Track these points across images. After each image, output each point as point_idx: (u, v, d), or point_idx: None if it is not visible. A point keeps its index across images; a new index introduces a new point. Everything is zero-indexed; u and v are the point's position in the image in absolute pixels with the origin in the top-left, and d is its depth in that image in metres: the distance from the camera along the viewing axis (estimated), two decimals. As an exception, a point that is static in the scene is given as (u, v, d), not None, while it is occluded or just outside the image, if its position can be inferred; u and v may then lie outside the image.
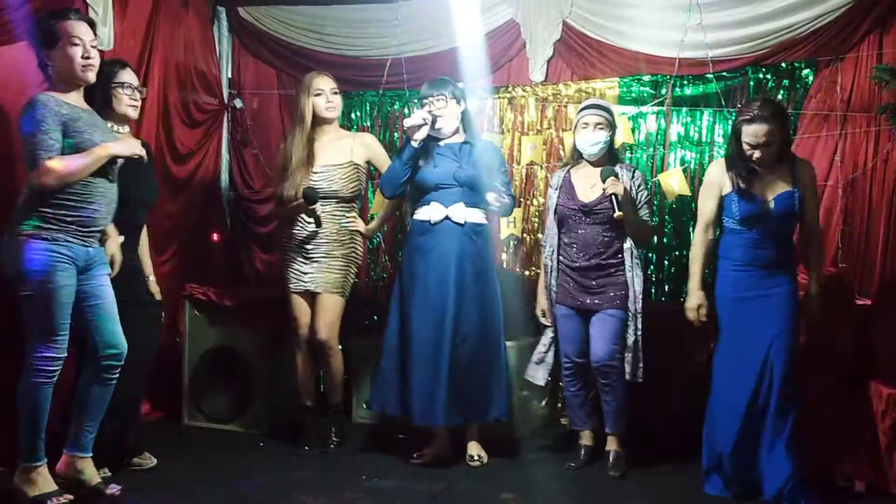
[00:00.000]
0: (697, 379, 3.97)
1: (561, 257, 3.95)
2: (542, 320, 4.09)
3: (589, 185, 3.90)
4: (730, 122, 4.60)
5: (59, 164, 3.12)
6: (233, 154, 5.45)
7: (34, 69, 3.47)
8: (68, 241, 3.22)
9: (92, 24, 3.32)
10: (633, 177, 3.91)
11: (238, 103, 5.40)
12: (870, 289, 4.18)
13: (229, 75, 5.43)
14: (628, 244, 3.87)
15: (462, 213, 3.94)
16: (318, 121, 4.23)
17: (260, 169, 5.36)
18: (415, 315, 3.95)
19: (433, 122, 3.93)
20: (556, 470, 3.96)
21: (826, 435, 3.70)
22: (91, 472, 3.43)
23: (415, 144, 3.93)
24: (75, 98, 3.30)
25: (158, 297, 4.04)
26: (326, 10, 5.19)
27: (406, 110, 5.18)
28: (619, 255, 3.86)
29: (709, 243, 3.69)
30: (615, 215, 3.74)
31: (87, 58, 3.24)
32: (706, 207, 3.68)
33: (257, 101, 5.41)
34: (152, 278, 4.03)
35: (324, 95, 4.20)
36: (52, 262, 3.18)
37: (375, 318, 5.16)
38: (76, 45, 3.21)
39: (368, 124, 5.27)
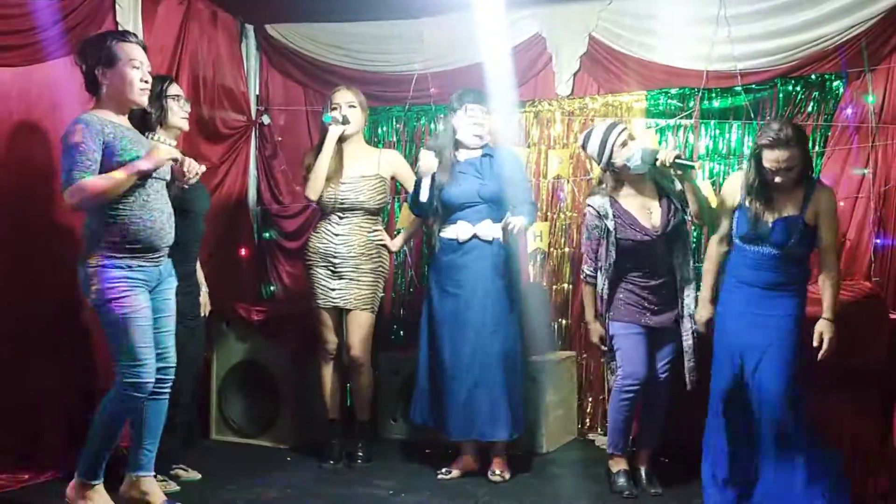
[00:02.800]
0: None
1: (626, 279, 3.78)
2: (603, 347, 3.92)
3: (646, 211, 3.76)
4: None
5: (88, 184, 3.10)
6: (261, 170, 5.49)
7: (67, 87, 3.53)
8: (141, 266, 3.23)
9: (146, 50, 3.37)
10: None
11: (265, 119, 5.44)
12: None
13: (257, 92, 5.48)
14: (680, 257, 3.76)
15: (489, 230, 3.94)
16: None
17: (288, 185, 5.39)
18: (447, 332, 3.96)
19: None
20: (582, 487, 3.91)
21: (859, 451, 3.62)
22: (156, 492, 3.41)
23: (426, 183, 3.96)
24: (121, 118, 3.32)
25: (207, 309, 4.12)
26: (352, 26, 5.23)
27: (432, 125, 5.20)
28: (674, 271, 3.77)
29: (722, 256, 3.65)
30: (695, 165, 3.68)
31: (145, 81, 3.28)
32: (721, 219, 3.64)
33: (285, 117, 5.45)
34: (205, 289, 4.12)
35: (339, 110, 4.21)
36: (129, 287, 3.18)
37: (402, 332, 5.17)
38: (136, 67, 3.24)
39: (395, 139, 5.28)
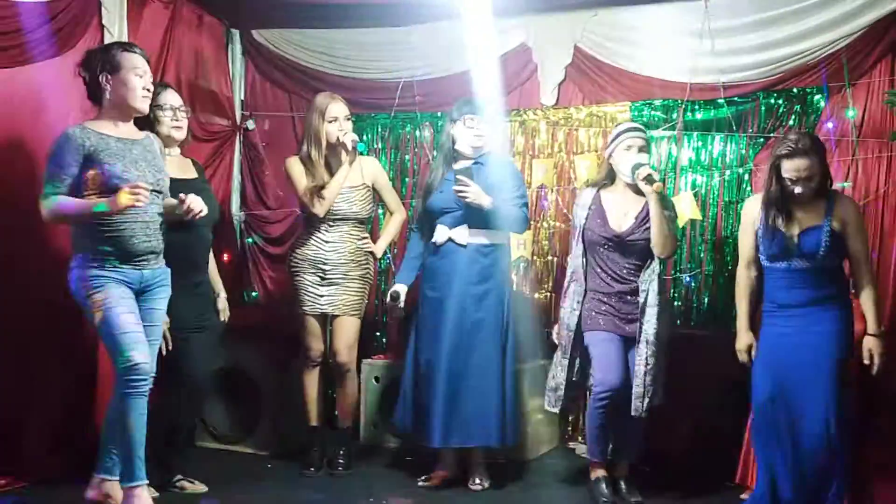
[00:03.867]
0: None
1: (592, 282, 3.81)
2: (556, 339, 3.98)
3: (622, 213, 3.79)
4: (741, 147, 4.62)
5: (59, 207, 3.19)
6: (245, 175, 5.48)
7: (53, 89, 3.50)
8: (117, 268, 3.26)
9: (149, 62, 3.43)
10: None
11: (250, 125, 5.44)
12: (882, 317, 4.13)
13: (242, 97, 5.48)
14: (655, 284, 3.70)
15: (465, 235, 3.95)
16: (330, 145, 4.24)
17: (272, 190, 5.38)
18: (426, 337, 4.00)
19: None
20: (563, 495, 3.94)
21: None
22: (119, 496, 3.35)
23: None
24: (122, 127, 3.35)
25: (226, 315, 4.14)
26: (339, 33, 5.24)
27: (417, 133, 5.21)
28: (649, 297, 3.71)
29: (752, 281, 3.61)
30: (655, 186, 3.58)
31: (147, 90, 3.35)
32: (744, 244, 3.62)
33: (269, 122, 5.44)
34: (223, 295, 4.14)
35: (337, 123, 4.20)
36: (104, 282, 3.22)
37: (384, 339, 5.17)
38: (139, 76, 3.32)
39: (380, 147, 5.29)
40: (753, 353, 3.57)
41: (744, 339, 3.61)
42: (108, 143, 3.27)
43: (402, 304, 4.10)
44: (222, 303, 4.12)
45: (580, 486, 3.98)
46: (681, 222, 4.56)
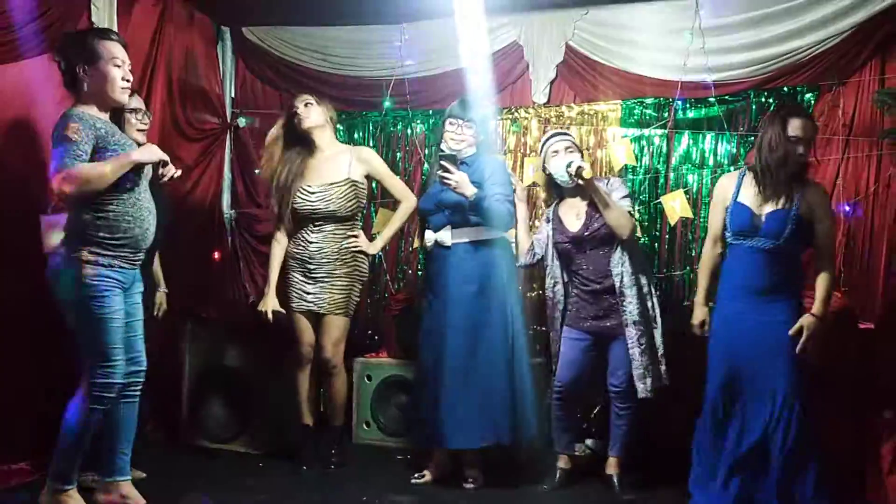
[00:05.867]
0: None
1: (574, 282, 3.90)
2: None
3: (574, 215, 3.90)
4: (732, 145, 4.64)
5: (82, 169, 3.06)
6: (236, 173, 5.46)
7: (42, 85, 3.47)
8: (121, 267, 3.21)
9: (127, 48, 3.33)
10: (608, 183, 3.93)
11: (241, 122, 5.42)
12: (872, 313, 4.17)
13: (232, 94, 5.46)
14: (627, 263, 3.81)
15: (448, 236, 3.95)
16: (305, 135, 4.21)
17: (263, 188, 5.36)
18: (425, 341, 4.02)
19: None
20: (553, 493, 3.94)
21: (830, 461, 3.64)
22: (135, 495, 3.37)
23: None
24: (104, 117, 3.28)
25: (159, 310, 4.18)
26: (330, 31, 5.23)
27: (409, 131, 5.21)
28: (623, 276, 3.81)
29: (716, 257, 3.67)
30: (585, 173, 3.72)
31: (127, 80, 3.25)
32: (713, 220, 3.68)
33: (260, 120, 5.42)
34: (162, 289, 4.20)
35: (297, 110, 4.21)
36: (107, 287, 3.16)
37: (376, 337, 5.16)
38: (118, 66, 3.22)
39: (371, 144, 5.27)
40: (706, 328, 3.64)
41: (698, 313, 3.69)
42: (112, 128, 3.22)
43: (432, 242, 4.01)
44: (160, 296, 4.19)
45: (573, 485, 3.99)
46: (672, 220, 4.59)
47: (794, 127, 3.42)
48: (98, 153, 3.13)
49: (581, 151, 4.00)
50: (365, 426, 4.74)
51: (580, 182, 3.78)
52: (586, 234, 3.83)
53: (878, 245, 4.26)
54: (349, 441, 4.62)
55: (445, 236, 3.96)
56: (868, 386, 3.75)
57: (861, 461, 3.66)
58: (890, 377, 3.71)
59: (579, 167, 3.75)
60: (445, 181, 3.82)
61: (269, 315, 4.16)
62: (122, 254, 3.20)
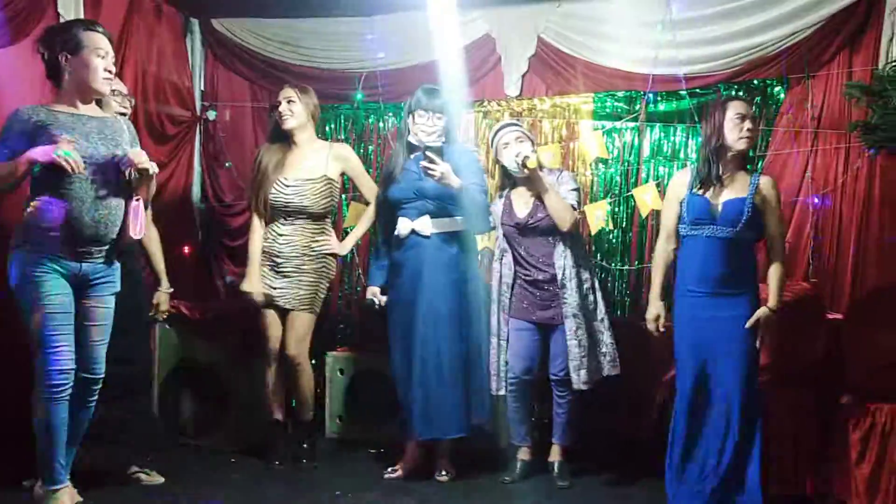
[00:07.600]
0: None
1: (517, 271, 3.95)
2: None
3: (523, 202, 3.94)
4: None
5: None
6: (205, 166, 5.41)
7: (8, 76, 3.40)
8: (55, 256, 3.13)
9: (112, 41, 3.30)
10: (559, 175, 3.97)
11: (211, 115, 5.37)
12: (841, 303, 4.22)
13: (202, 87, 5.40)
14: (570, 256, 3.86)
15: (427, 225, 3.94)
16: (285, 131, 4.19)
17: (233, 181, 5.32)
18: (395, 331, 4.00)
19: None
20: (529, 486, 3.95)
21: (798, 449, 3.71)
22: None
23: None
24: (81, 108, 3.22)
25: (162, 310, 4.21)
26: (301, 23, 5.19)
27: (381, 123, 5.19)
28: (566, 269, 3.85)
29: (670, 254, 3.69)
30: (529, 162, 3.76)
31: (109, 71, 3.23)
32: (667, 216, 3.70)
33: (230, 113, 5.37)
34: (164, 289, 4.21)
35: (280, 106, 4.18)
36: (42, 272, 3.11)
37: (349, 331, 5.14)
38: (101, 56, 3.19)
39: (343, 137, 5.25)
40: (661, 322, 3.67)
41: (653, 309, 3.70)
42: (57, 117, 3.16)
43: (379, 305, 4.10)
44: (159, 296, 4.20)
45: (547, 477, 4.00)
46: (643, 213, 4.61)
47: (735, 107, 3.49)
48: (34, 143, 3.08)
49: (532, 140, 4.02)
50: (337, 420, 4.72)
51: (525, 172, 3.81)
52: (530, 222, 3.88)
53: (846, 236, 4.30)
54: (321, 436, 4.60)
55: (424, 225, 3.94)
56: (836, 376, 3.79)
57: (826, 448, 3.69)
58: (857, 367, 3.75)
59: (525, 157, 3.78)
60: (430, 172, 3.81)
61: (258, 296, 4.11)
62: (53, 245, 3.12)
